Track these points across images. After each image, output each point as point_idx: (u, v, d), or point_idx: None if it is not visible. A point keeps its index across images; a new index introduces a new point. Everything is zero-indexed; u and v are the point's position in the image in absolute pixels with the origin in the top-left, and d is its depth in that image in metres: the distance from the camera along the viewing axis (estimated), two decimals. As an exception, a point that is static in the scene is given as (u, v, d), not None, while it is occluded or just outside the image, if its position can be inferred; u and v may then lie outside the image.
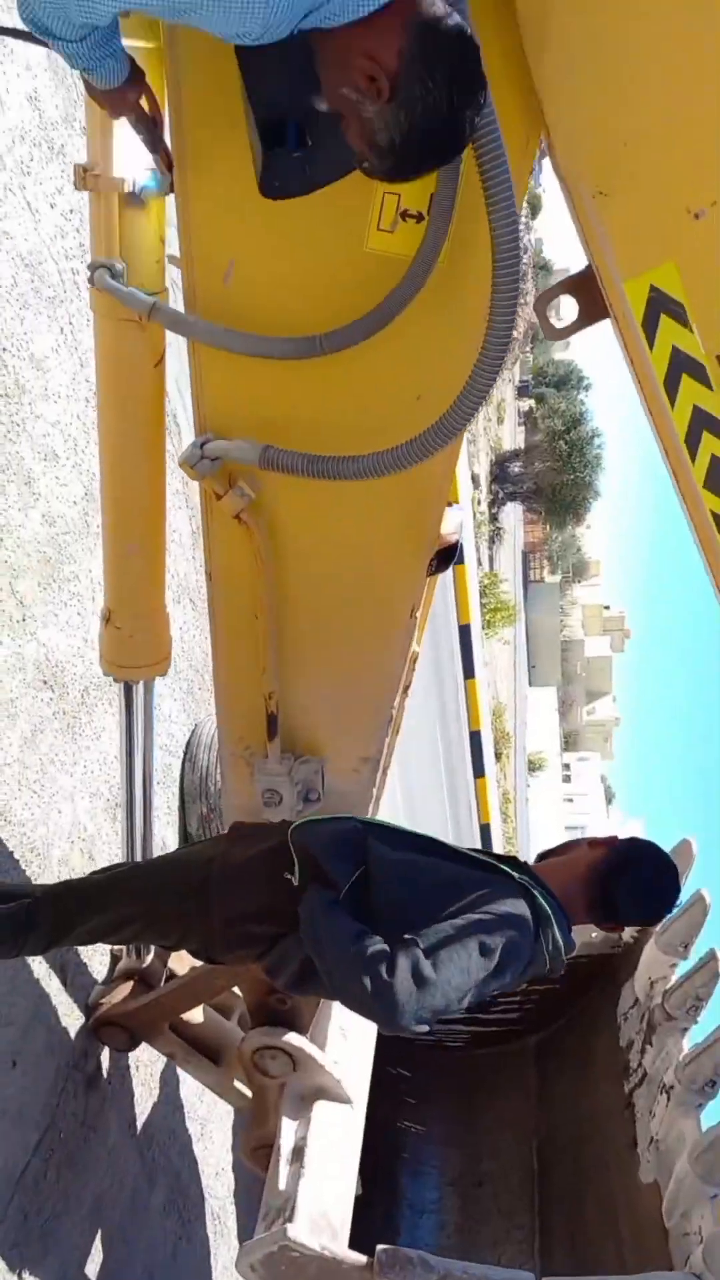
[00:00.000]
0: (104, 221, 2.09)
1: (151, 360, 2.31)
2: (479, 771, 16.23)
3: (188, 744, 4.51)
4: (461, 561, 14.38)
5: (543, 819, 37.79)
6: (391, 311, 1.89)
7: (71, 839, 3.33)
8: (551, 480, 34.06)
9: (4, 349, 3.28)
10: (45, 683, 3.25)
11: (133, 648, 2.62)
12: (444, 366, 2.01)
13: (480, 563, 26.36)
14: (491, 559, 30.87)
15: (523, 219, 1.70)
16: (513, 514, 41.64)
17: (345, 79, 1.34)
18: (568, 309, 1.96)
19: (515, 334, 1.78)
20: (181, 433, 4.49)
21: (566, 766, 46.81)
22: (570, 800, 43.75)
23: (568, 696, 52.31)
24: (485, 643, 22.12)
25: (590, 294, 1.89)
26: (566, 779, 45.69)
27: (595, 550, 62.60)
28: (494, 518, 32.53)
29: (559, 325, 1.97)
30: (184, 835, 4.42)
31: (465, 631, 15.31)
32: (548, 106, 1.67)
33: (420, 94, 1.32)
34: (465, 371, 1.99)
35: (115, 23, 1.42)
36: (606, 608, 60.62)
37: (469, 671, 16.05)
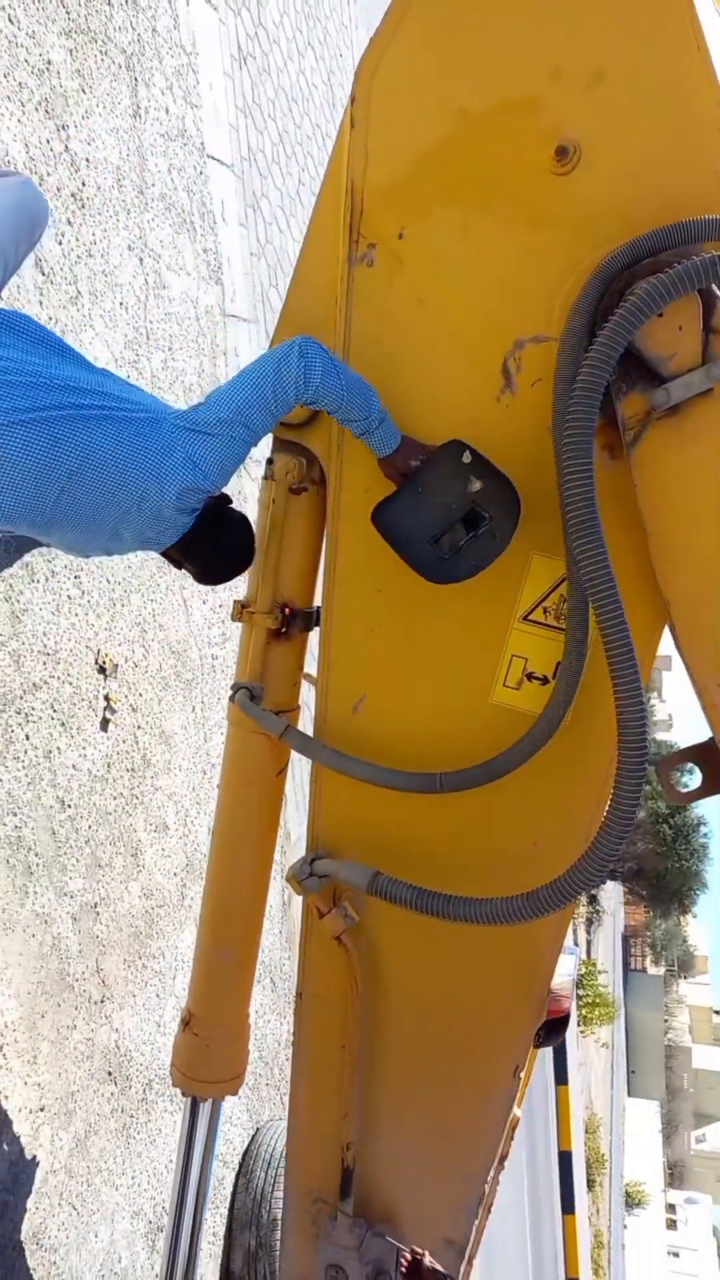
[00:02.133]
0: (251, 650, 2.28)
1: (274, 770, 2.39)
2: (568, 1206, 13.87)
3: (245, 1153, 4.04)
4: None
5: (641, 1274, 31.23)
6: (513, 762, 1.92)
7: (103, 1273, 2.89)
8: (655, 864, 32.78)
9: (139, 726, 3.50)
10: (110, 1074, 3.03)
11: (207, 1059, 2.44)
12: (563, 817, 2.00)
13: (576, 945, 24.72)
14: (589, 944, 28.94)
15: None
16: (613, 894, 39.69)
17: None
18: (692, 774, 1.96)
19: (638, 810, 1.77)
20: (290, 835, 4.56)
21: (671, 1208, 39.47)
22: (676, 1255, 36.27)
23: (672, 1115, 45.55)
24: (580, 1042, 20.04)
25: (715, 765, 1.89)
26: (671, 1224, 38.34)
27: (702, 944, 58.02)
28: (593, 898, 31.01)
29: (683, 790, 1.96)
30: (225, 1274, 3.80)
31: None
32: (675, 608, 1.79)
33: None
34: (584, 826, 1.97)
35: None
36: (717, 1012, 54.64)
37: (561, 1076, 14.33)
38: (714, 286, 1.68)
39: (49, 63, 2.82)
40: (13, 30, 2.71)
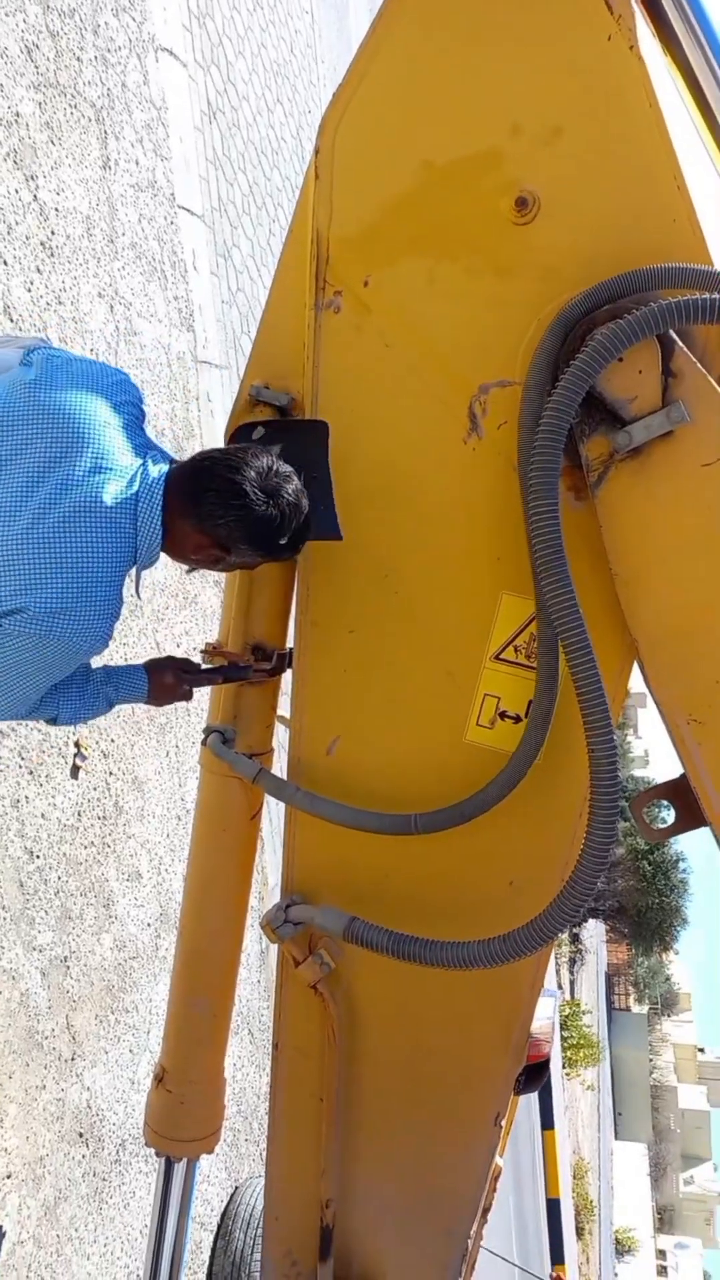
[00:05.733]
0: (223, 692, 2.27)
1: (248, 814, 2.36)
2: (557, 1256, 13.57)
3: (223, 1214, 3.91)
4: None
5: (634, 1326, 30.54)
6: (487, 802, 1.91)
7: (70, 1349, 2.78)
8: (636, 901, 32.67)
9: (111, 772, 3.45)
10: (80, 1135, 2.94)
11: (181, 1117, 2.37)
12: (539, 855, 1.99)
13: (560, 988, 24.49)
14: (573, 984, 28.68)
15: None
16: (595, 933, 39.47)
17: None
18: (668, 811, 1.96)
19: (612, 847, 1.77)
20: (268, 880, 4.51)
21: (661, 1254, 38.70)
22: (668, 1302, 35.57)
23: (660, 1158, 44.90)
24: (565, 1084, 19.75)
25: (687, 801, 1.89)
26: (662, 1270, 37.54)
27: (685, 981, 57.64)
28: (575, 936, 30.82)
29: (657, 827, 1.96)
30: (202, 1341, 3.66)
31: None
32: (644, 647, 1.81)
33: None
34: (560, 863, 1.96)
35: None
36: (701, 1050, 54.09)
37: (547, 1120, 14.12)
38: (672, 332, 1.72)
39: (17, 115, 2.87)
40: (-19, 85, 2.75)
